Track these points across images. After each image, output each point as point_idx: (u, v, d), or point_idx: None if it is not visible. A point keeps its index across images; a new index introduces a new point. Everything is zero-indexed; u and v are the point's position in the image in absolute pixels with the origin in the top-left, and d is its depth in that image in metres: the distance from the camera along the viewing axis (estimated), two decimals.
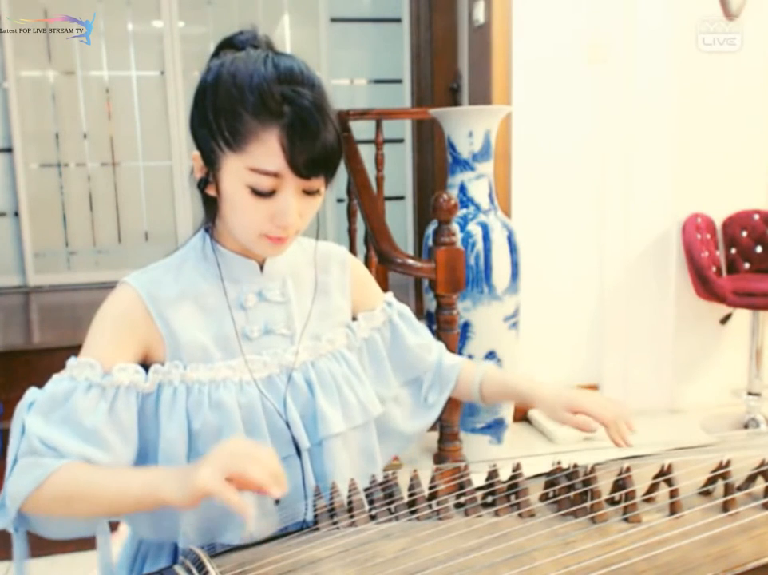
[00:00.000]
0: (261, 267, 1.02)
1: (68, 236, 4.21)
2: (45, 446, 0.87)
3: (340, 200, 3.96)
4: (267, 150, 0.87)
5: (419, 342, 1.16)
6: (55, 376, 0.93)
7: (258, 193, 0.89)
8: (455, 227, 2.36)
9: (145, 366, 0.95)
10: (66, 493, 0.86)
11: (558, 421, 1.04)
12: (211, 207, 0.98)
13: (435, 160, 4.03)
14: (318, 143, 0.88)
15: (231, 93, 0.89)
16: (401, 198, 4.47)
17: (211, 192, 0.96)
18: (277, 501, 0.82)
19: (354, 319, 1.12)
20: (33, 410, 0.90)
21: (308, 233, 1.04)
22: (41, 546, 0.97)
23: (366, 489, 0.95)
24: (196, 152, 0.95)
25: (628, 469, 0.93)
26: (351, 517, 0.90)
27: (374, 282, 1.19)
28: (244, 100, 0.88)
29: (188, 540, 0.93)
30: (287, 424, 0.98)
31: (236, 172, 0.90)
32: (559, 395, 1.05)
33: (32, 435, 0.87)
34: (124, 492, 0.85)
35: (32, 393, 0.93)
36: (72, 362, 0.93)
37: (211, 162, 0.93)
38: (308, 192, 0.92)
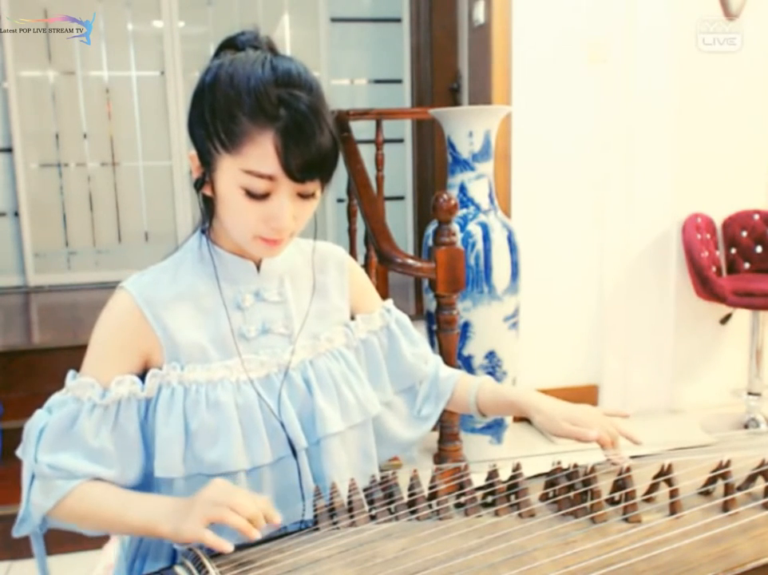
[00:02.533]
0: (258, 268, 1.02)
1: (68, 236, 4.21)
2: (55, 470, 0.91)
3: (340, 200, 3.96)
4: (261, 153, 0.87)
5: (415, 351, 1.16)
6: (58, 396, 0.95)
7: (252, 195, 0.90)
8: (455, 227, 2.36)
9: (148, 370, 0.96)
10: (79, 514, 0.93)
11: (556, 432, 1.03)
12: (209, 207, 0.99)
13: (435, 160, 4.04)
14: (312, 147, 0.88)
15: (229, 94, 0.89)
16: (401, 198, 4.47)
17: (207, 191, 0.96)
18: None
19: (353, 319, 1.12)
20: (43, 440, 0.93)
21: (306, 234, 1.04)
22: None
23: (365, 489, 0.95)
24: (193, 152, 0.95)
25: (628, 469, 0.93)
26: (351, 517, 0.90)
27: (373, 288, 1.19)
28: (241, 102, 0.88)
29: None
30: (282, 424, 0.98)
31: (231, 173, 0.90)
32: (557, 407, 1.05)
33: (41, 464, 0.92)
34: (127, 523, 0.91)
35: (40, 417, 0.94)
36: (71, 382, 0.95)
37: (207, 162, 0.93)
38: (303, 196, 0.93)
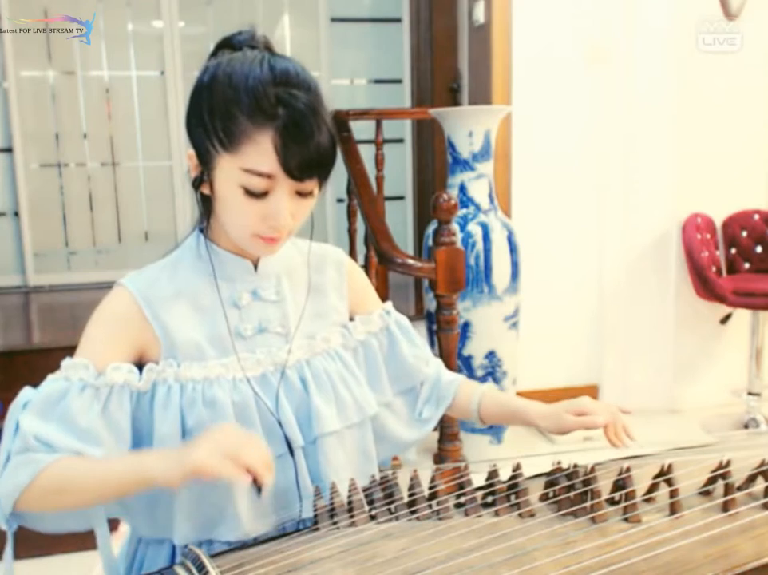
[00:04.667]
0: (255, 267, 1.02)
1: (68, 236, 4.21)
2: (39, 443, 0.88)
3: (340, 200, 3.96)
4: (260, 151, 0.88)
5: (415, 353, 1.16)
6: (50, 376, 0.94)
7: (251, 194, 0.90)
8: (455, 227, 2.36)
9: (141, 366, 0.96)
10: (56, 485, 0.87)
11: (564, 428, 1.03)
12: (207, 205, 0.99)
13: (435, 160, 4.03)
14: (311, 145, 0.88)
15: (227, 93, 0.89)
16: (401, 198, 4.47)
17: (205, 190, 0.96)
18: (259, 490, 0.84)
19: (352, 320, 1.12)
20: (28, 409, 0.90)
21: (305, 234, 1.04)
22: (39, 546, 0.97)
23: (365, 489, 0.95)
24: (192, 151, 0.95)
25: (628, 469, 0.93)
26: (351, 517, 0.90)
27: (372, 289, 1.19)
28: (239, 101, 0.88)
29: (183, 536, 0.93)
30: (279, 422, 0.98)
31: (230, 172, 0.90)
32: (558, 405, 1.05)
33: (26, 433, 0.88)
34: (109, 474, 0.86)
35: (26, 393, 0.93)
36: (66, 362, 0.94)
37: (205, 161, 0.93)
38: (301, 194, 0.93)
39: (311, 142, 0.88)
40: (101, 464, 0.88)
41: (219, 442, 0.81)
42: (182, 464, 0.81)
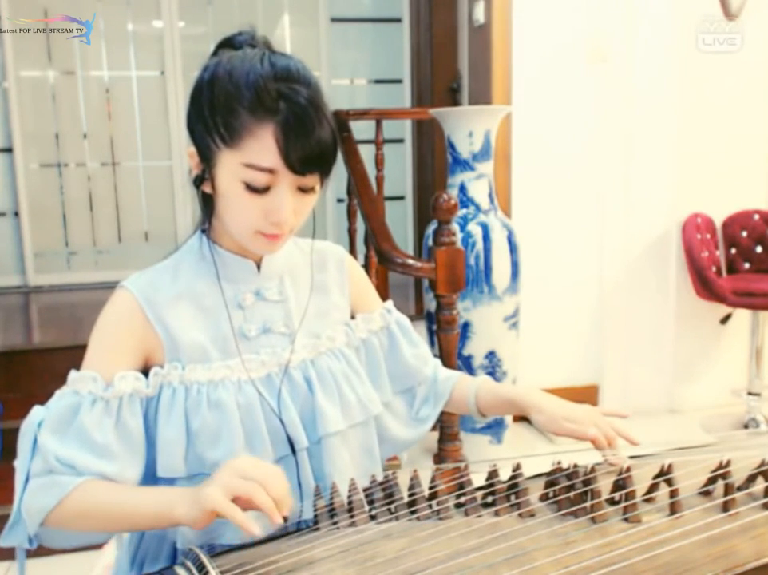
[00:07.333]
0: (258, 267, 1.02)
1: (68, 236, 4.21)
2: (62, 465, 0.88)
3: (340, 200, 3.97)
4: (261, 146, 0.88)
5: (415, 353, 1.15)
6: (58, 392, 0.94)
7: (253, 189, 0.90)
8: (455, 227, 2.36)
9: (147, 370, 0.96)
10: (84, 511, 0.88)
11: (556, 431, 1.04)
12: (208, 205, 0.99)
13: (435, 160, 4.03)
14: (312, 140, 0.88)
15: (228, 89, 0.89)
16: (401, 198, 4.47)
17: (206, 188, 0.96)
18: (285, 519, 0.83)
19: (353, 318, 1.12)
20: (45, 428, 0.90)
21: (305, 233, 1.04)
22: (40, 546, 0.97)
23: (365, 489, 0.95)
24: (192, 149, 0.95)
25: (628, 469, 0.93)
26: (351, 517, 0.90)
27: (373, 287, 1.19)
28: (240, 96, 0.88)
29: (187, 539, 0.93)
30: (282, 422, 0.98)
31: (231, 168, 0.90)
32: (558, 406, 1.05)
33: (48, 454, 0.88)
34: (140, 512, 0.86)
35: (38, 412, 0.92)
36: (73, 375, 0.93)
37: (206, 158, 0.93)
38: (303, 190, 0.93)
39: (313, 136, 0.88)
40: (128, 497, 0.88)
41: (231, 481, 0.79)
42: (199, 504, 0.79)
